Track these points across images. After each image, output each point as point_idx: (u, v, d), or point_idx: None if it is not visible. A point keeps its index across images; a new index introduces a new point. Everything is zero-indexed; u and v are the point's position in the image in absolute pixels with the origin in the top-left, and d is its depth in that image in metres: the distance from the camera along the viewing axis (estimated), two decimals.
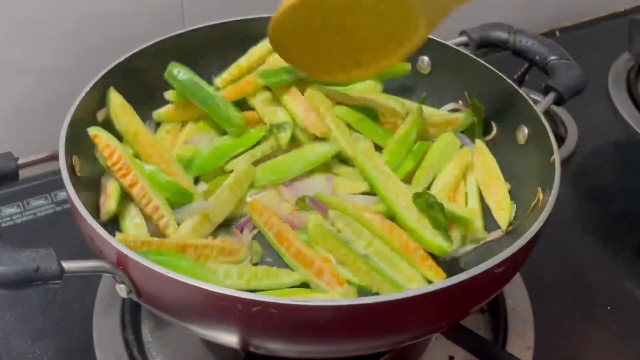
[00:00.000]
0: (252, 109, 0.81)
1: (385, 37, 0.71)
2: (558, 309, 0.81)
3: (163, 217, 0.68)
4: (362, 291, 0.65)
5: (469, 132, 0.81)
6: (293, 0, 0.68)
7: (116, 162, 0.69)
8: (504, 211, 0.72)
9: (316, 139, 0.76)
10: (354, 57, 0.74)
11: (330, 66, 0.75)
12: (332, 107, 0.79)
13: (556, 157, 0.67)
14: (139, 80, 0.78)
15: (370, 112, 0.80)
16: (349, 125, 0.79)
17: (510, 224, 0.71)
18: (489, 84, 0.79)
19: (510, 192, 0.74)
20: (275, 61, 0.79)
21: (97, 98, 0.73)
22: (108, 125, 0.73)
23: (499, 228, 0.71)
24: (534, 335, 0.76)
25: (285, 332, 0.54)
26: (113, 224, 0.69)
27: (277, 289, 0.64)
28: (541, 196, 0.67)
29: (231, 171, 0.74)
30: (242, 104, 0.80)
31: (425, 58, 0.85)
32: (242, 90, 0.80)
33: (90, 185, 0.70)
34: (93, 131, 0.70)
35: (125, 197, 0.70)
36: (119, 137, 0.73)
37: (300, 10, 0.69)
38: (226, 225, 0.71)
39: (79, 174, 0.67)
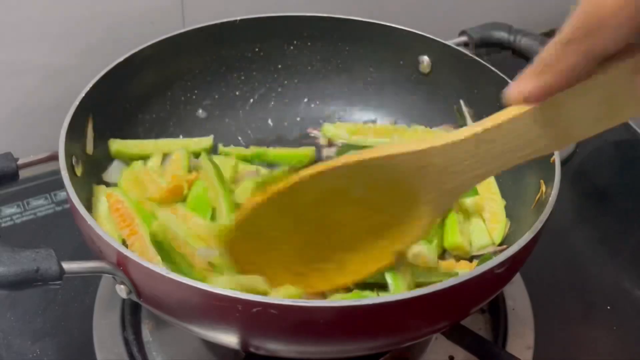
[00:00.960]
0: None
1: (377, 232, 0.56)
2: (558, 309, 0.81)
3: None
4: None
5: None
6: (254, 201, 0.54)
7: (122, 215, 0.70)
8: (498, 224, 0.72)
9: None
10: (337, 260, 0.58)
11: (306, 274, 0.59)
12: None
13: (556, 157, 0.67)
14: (139, 80, 0.78)
15: None
16: None
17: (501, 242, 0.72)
18: (489, 84, 0.79)
19: (506, 207, 0.74)
20: None
21: (97, 99, 0.73)
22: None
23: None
24: (534, 335, 0.76)
25: (286, 333, 0.54)
26: None
27: None
28: (544, 189, 0.67)
29: None
30: None
31: (425, 58, 0.85)
32: None
33: (91, 185, 0.70)
34: (109, 191, 0.72)
35: None
36: None
37: (267, 209, 0.54)
38: None
39: (79, 174, 0.67)
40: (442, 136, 0.50)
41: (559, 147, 0.50)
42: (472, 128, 0.49)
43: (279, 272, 0.58)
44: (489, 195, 0.75)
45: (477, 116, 0.81)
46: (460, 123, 0.82)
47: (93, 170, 0.72)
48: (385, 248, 0.57)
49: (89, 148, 0.71)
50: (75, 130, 0.67)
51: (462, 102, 0.82)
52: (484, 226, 0.72)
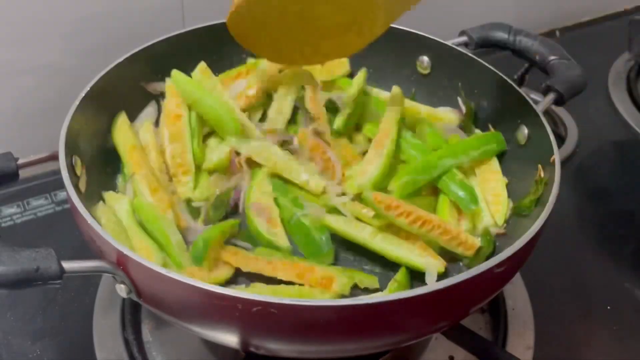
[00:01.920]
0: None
1: (345, 27, 0.73)
2: (558, 309, 0.81)
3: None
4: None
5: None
6: None
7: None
8: (500, 206, 0.72)
9: None
10: (314, 45, 0.75)
11: (290, 53, 0.77)
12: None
13: (556, 157, 0.67)
14: (139, 80, 0.78)
15: None
16: None
17: (504, 222, 0.71)
18: (489, 84, 0.79)
19: (507, 186, 0.74)
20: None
21: (98, 99, 0.73)
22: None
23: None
24: (534, 335, 0.76)
25: (286, 332, 0.54)
26: None
27: None
28: (542, 174, 0.68)
29: None
30: None
31: (425, 58, 0.85)
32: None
33: (91, 184, 0.70)
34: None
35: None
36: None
37: (257, 1, 0.70)
38: None
39: (79, 174, 0.67)
40: None
41: None
42: None
43: (271, 49, 0.77)
44: (491, 177, 0.75)
45: (477, 116, 0.81)
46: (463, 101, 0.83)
47: (94, 172, 0.72)
48: (351, 41, 0.75)
49: (82, 185, 0.68)
50: (75, 131, 0.67)
51: (460, 101, 0.82)
52: (485, 207, 0.72)
